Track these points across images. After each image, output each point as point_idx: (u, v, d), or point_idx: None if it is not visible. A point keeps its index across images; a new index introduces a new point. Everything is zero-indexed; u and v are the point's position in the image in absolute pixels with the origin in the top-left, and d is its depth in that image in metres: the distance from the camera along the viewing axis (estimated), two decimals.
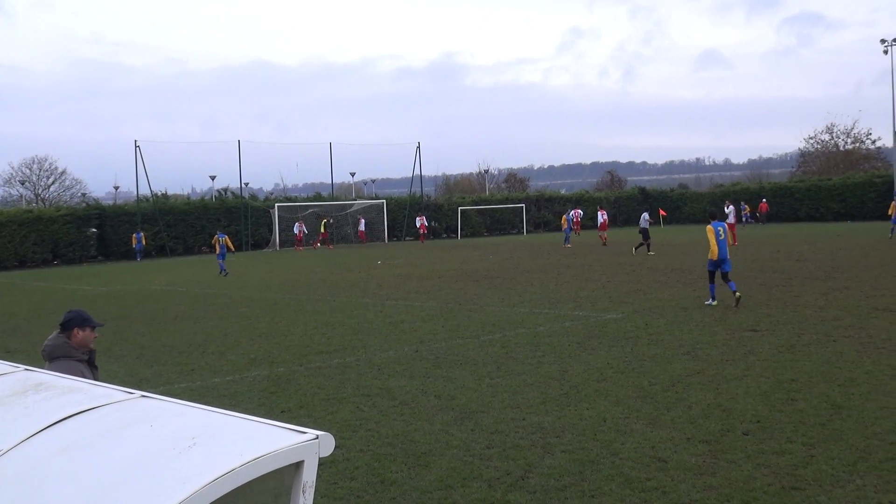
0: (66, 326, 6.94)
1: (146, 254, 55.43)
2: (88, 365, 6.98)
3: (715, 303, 20.07)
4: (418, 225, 64.19)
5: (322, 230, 61.61)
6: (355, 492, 8.06)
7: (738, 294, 19.62)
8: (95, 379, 6.17)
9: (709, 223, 20.95)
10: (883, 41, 69.33)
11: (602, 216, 52.69)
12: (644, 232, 40.03)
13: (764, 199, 70.06)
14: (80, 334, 6.95)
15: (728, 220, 43.34)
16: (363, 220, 64.75)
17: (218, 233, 40.35)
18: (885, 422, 9.47)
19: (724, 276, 20.17)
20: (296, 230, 59.99)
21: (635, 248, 39.51)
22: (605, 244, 46.88)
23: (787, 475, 7.89)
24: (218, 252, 38.07)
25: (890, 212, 42.85)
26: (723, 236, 20.57)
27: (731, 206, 47.14)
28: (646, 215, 42.50)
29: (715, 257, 20.25)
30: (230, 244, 40.34)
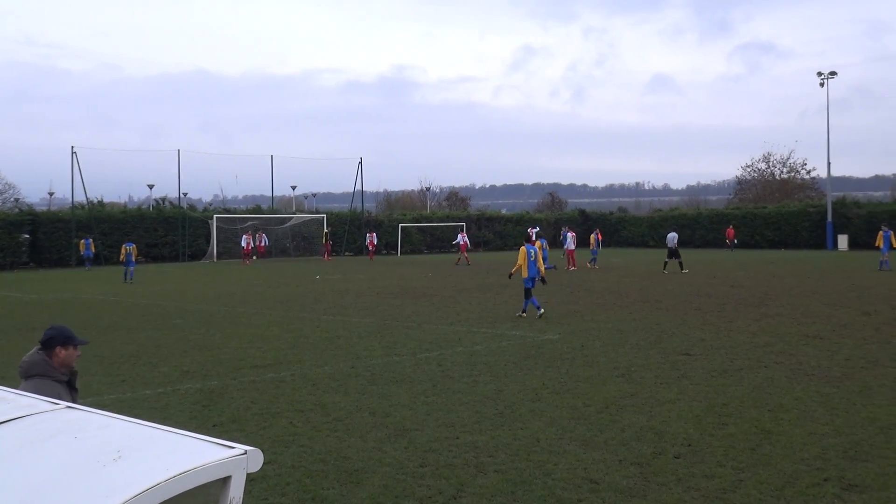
0: (48, 345, 6.43)
1: (93, 261, 52.04)
2: (68, 387, 6.48)
3: (542, 311, 22.60)
4: (367, 241, 63.95)
5: (325, 241, 62.44)
6: None
7: (534, 311, 22.65)
8: (74, 402, 5.94)
9: (523, 245, 23.69)
10: (819, 74, 71.00)
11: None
12: (672, 251, 42.21)
13: (731, 225, 69.73)
14: (62, 353, 6.45)
15: (568, 247, 46.63)
16: (373, 234, 64.91)
17: (126, 242, 42.55)
18: (812, 447, 9.63)
19: (528, 291, 23.15)
20: (243, 243, 59.20)
21: (664, 266, 41.73)
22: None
23: (716, 499, 7.97)
24: (125, 261, 40.78)
25: (877, 243, 43.49)
26: (533, 257, 23.35)
27: (571, 234, 48.13)
28: (674, 235, 43.79)
29: (525, 275, 23.13)
30: (136, 253, 43.69)
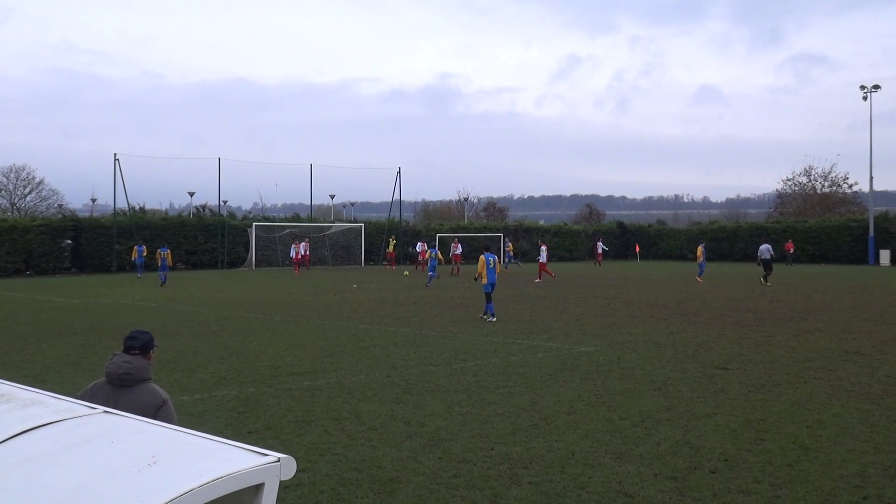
0: (147, 348, 6.38)
1: (145, 268, 50.53)
2: None
3: (494, 319, 24.50)
4: (419, 250, 59.97)
5: (390, 249, 62.27)
6: None
7: (494, 318, 24.61)
8: None
9: (482, 254, 25.97)
10: (862, 87, 70.33)
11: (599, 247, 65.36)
12: (765, 263, 43.21)
13: (790, 240, 68.72)
14: (152, 356, 6.46)
15: (540, 260, 47.98)
16: (460, 245, 60.64)
17: (161, 248, 45.31)
18: (851, 465, 9.50)
19: (488, 297, 25.07)
20: (292, 253, 57.79)
21: (763, 279, 42.41)
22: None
23: None
24: (160, 265, 43.53)
25: None
26: (492, 265, 25.46)
27: (544, 247, 49.74)
28: (768, 247, 44.61)
29: (485, 281, 25.16)
30: (170, 259, 46.21)
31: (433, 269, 42.34)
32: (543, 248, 49.47)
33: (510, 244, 66.11)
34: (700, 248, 46.23)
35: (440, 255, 46.47)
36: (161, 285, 41.52)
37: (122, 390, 5.99)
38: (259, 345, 19.81)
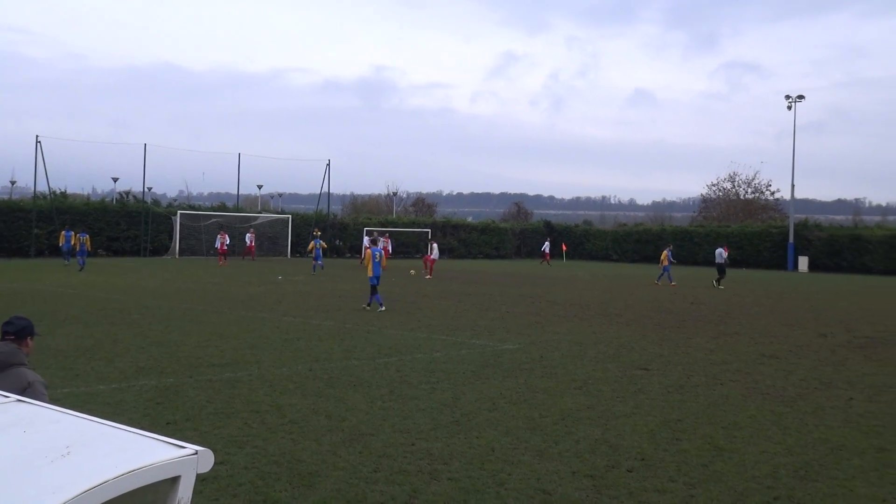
0: (22, 334, 6.39)
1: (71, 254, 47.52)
2: None
3: (370, 307, 26.33)
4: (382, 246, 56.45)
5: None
6: None
7: (377, 306, 26.07)
8: None
9: (368, 248, 28.65)
10: (787, 97, 71.93)
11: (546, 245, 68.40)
12: (720, 266, 43.66)
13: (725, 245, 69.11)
14: (30, 343, 6.46)
15: (432, 256, 48.11)
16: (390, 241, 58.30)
17: (80, 233, 45.51)
18: (764, 465, 9.73)
19: (374, 289, 26.51)
20: (217, 243, 56.07)
21: (716, 282, 43.30)
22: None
23: None
24: (78, 250, 43.92)
25: None
26: (377, 259, 27.18)
27: (434, 244, 50.50)
28: (721, 251, 45.17)
29: (371, 274, 26.74)
30: (90, 244, 46.38)
31: (319, 257, 46.53)
32: (434, 244, 49.83)
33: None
34: (665, 253, 44.99)
35: (324, 244, 49.25)
36: (80, 270, 41.37)
37: (2, 373, 6.05)
38: (180, 335, 19.54)
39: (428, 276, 44.97)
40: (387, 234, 57.81)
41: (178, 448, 2.68)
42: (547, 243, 69.44)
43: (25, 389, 5.92)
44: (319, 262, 46.45)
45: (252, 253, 60.66)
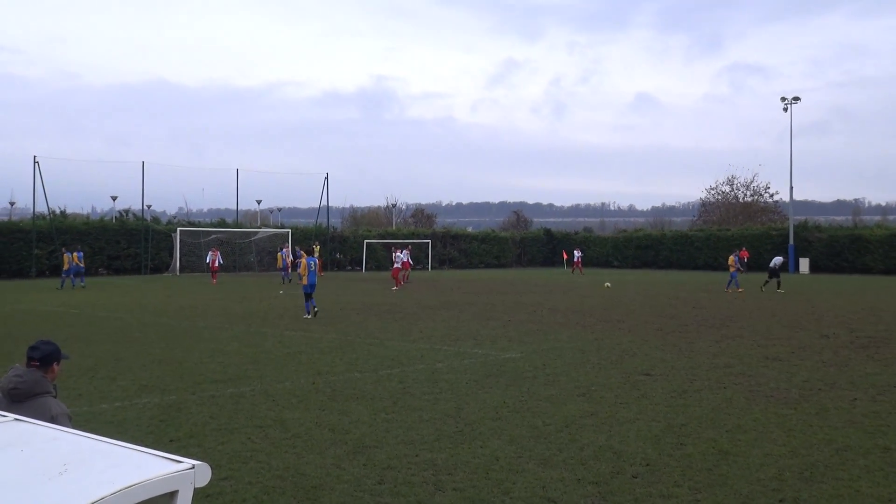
0: (47, 361, 6.04)
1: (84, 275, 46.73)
2: None
3: (310, 316, 27.64)
4: (402, 261, 49.36)
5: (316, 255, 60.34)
6: None
7: (316, 310, 28.00)
8: None
9: (304, 257, 29.55)
10: (783, 99, 72.01)
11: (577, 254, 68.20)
12: (773, 271, 43.46)
13: (744, 248, 68.77)
14: (56, 369, 6.10)
15: (396, 265, 47.28)
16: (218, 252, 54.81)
17: (77, 251, 46.06)
18: (768, 469, 9.70)
19: (308, 296, 28.07)
20: (208, 259, 54.85)
21: (775, 284, 43.10)
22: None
23: None
24: (67, 268, 44.42)
25: None
26: (313, 268, 28.60)
27: (404, 252, 49.86)
28: (780, 259, 45.20)
29: (306, 282, 28.23)
30: (82, 262, 46.46)
31: (285, 269, 49.35)
32: (398, 253, 48.04)
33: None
34: (732, 258, 43.92)
35: (290, 258, 50.17)
36: (82, 288, 42.81)
37: (15, 405, 5.60)
38: (182, 352, 19.53)
39: (395, 289, 43.41)
40: (409, 246, 57.52)
41: (175, 462, 2.67)
42: (577, 252, 68.67)
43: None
44: (286, 275, 48.53)
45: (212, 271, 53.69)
